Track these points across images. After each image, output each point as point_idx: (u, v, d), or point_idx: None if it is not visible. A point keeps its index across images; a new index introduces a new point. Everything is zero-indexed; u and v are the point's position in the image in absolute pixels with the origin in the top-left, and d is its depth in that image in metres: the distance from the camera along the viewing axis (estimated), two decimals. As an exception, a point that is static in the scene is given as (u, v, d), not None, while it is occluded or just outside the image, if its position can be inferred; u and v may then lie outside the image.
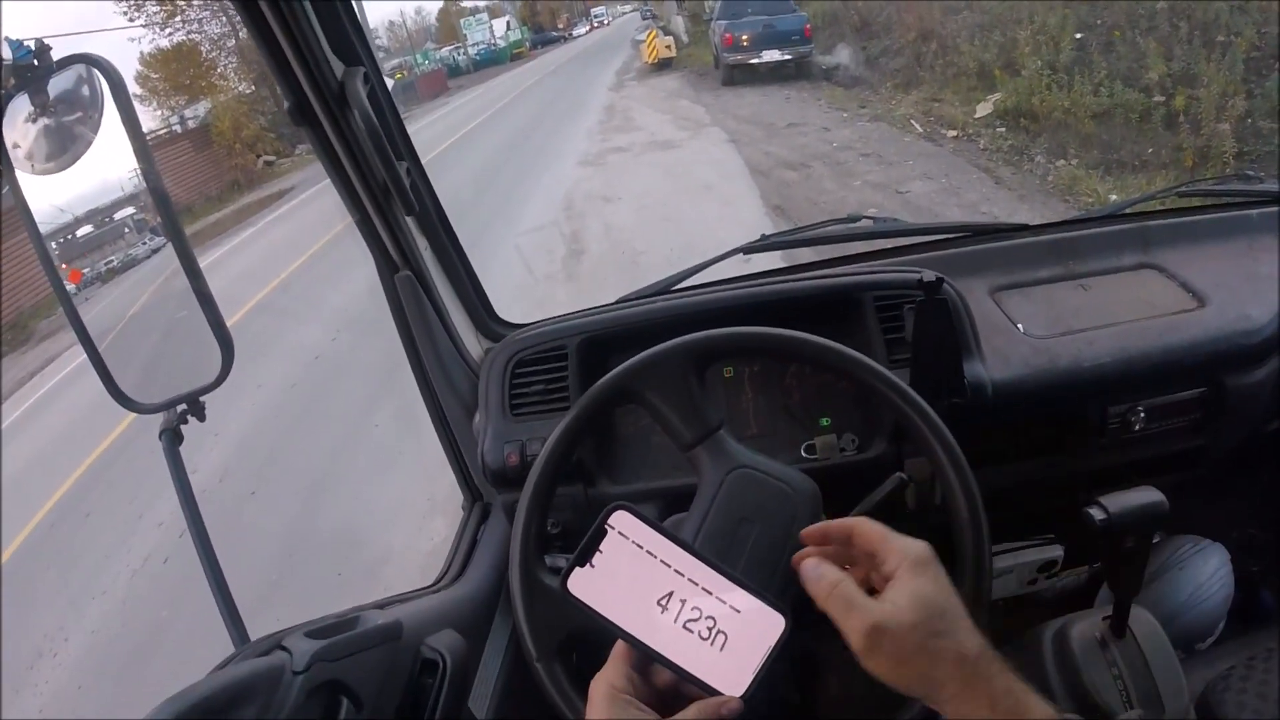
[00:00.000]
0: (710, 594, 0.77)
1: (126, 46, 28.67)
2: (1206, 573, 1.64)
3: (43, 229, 1.14)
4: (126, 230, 17.46)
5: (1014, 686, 0.69)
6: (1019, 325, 1.54)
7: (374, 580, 3.80)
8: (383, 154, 1.24)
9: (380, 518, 4.37)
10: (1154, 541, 1.68)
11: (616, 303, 1.62)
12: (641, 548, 0.78)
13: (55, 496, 5.89)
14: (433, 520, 4.06)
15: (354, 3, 1.22)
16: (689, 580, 0.78)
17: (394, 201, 1.32)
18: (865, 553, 0.77)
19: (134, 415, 1.21)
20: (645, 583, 0.78)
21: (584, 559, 0.78)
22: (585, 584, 0.78)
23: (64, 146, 1.12)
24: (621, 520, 0.78)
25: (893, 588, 0.73)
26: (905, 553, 0.74)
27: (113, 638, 4.16)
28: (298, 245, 11.07)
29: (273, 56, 1.17)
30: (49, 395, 9.01)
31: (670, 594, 0.77)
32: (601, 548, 0.78)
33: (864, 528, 0.78)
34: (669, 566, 0.78)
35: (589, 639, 0.89)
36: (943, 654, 0.69)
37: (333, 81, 1.20)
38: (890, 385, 1.05)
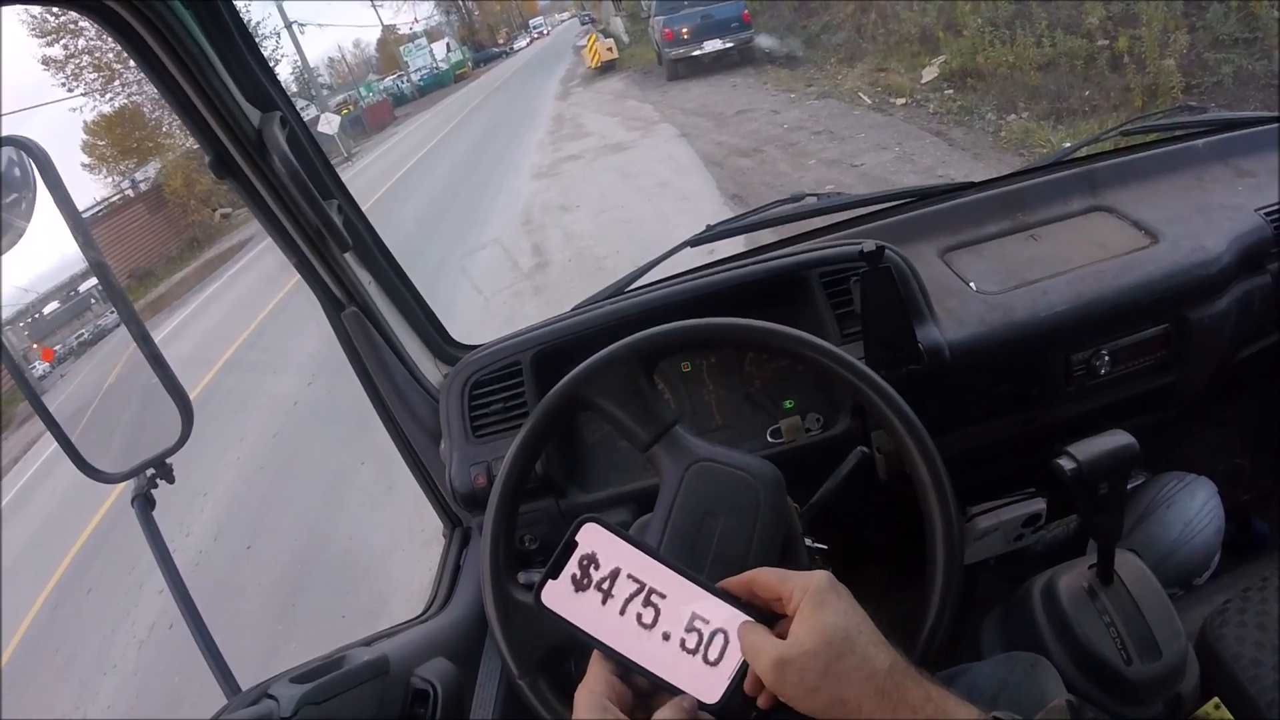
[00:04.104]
0: (679, 601, 0.79)
1: (69, 117, 28.57)
2: (1195, 508, 1.63)
3: (8, 311, 1.13)
4: (93, 301, 17.41)
5: (933, 694, 0.70)
6: (971, 284, 1.54)
7: (377, 617, 3.78)
8: (308, 195, 1.22)
9: (378, 554, 4.35)
10: (1140, 482, 1.69)
11: (571, 311, 1.61)
12: (611, 558, 0.80)
13: (54, 577, 5.85)
14: (431, 549, 4.03)
15: (257, 45, 1.21)
16: (659, 589, 0.79)
17: (329, 241, 1.31)
18: (771, 598, 0.78)
19: (121, 487, 1.20)
20: (618, 592, 0.79)
21: (556, 571, 0.80)
22: (559, 596, 0.80)
23: (5, 229, 1.11)
24: (590, 532, 0.80)
25: (795, 622, 0.74)
26: (805, 588, 0.75)
27: (128, 711, 4.11)
28: (263, 294, 11.09)
29: (187, 114, 1.16)
30: (36, 477, 8.96)
31: (643, 603, 0.78)
32: (572, 559, 0.80)
33: (761, 577, 0.79)
34: (640, 575, 0.79)
35: (576, 649, 0.89)
36: (850, 675, 0.70)
37: (250, 130, 1.18)
38: (835, 359, 1.05)
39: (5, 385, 11.28)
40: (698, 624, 0.77)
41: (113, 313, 1.15)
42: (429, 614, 1.45)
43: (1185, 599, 1.56)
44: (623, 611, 0.78)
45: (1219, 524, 1.64)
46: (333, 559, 4.57)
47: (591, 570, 0.79)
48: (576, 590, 0.79)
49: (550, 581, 0.80)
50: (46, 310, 18.05)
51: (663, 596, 0.78)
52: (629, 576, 0.79)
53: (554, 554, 0.80)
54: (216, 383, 8.31)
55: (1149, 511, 1.64)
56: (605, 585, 0.79)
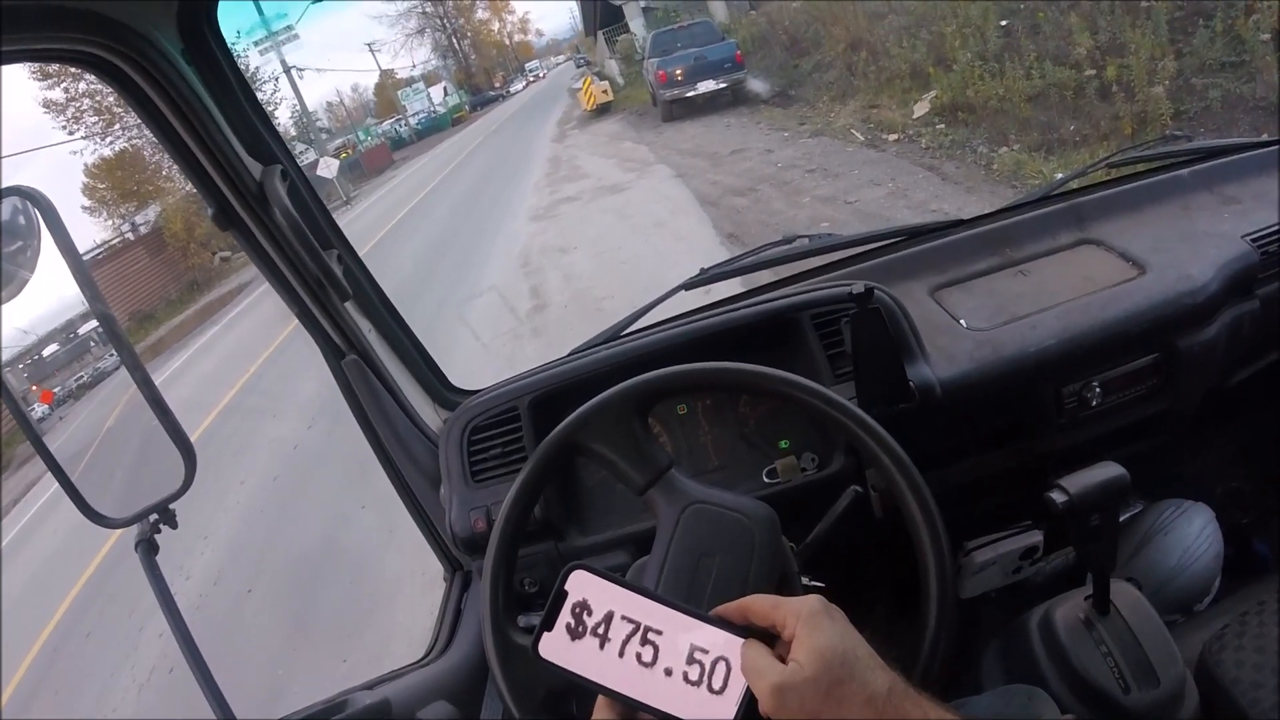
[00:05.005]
0: (678, 635, 0.79)
1: (70, 160, 28.81)
2: (1192, 534, 1.63)
3: (7, 353, 1.14)
4: (93, 343, 17.42)
5: (931, 715, 0.70)
6: (961, 320, 1.55)
7: (380, 661, 3.74)
8: (308, 246, 1.25)
9: (380, 598, 4.33)
10: (1137, 510, 1.69)
11: (567, 356, 1.63)
12: (603, 602, 0.80)
13: (54, 620, 5.83)
14: (432, 593, 4.00)
15: (258, 99, 1.24)
16: (655, 625, 0.79)
17: (329, 290, 1.33)
18: (766, 626, 0.78)
19: (121, 530, 1.20)
20: (614, 635, 0.79)
21: (550, 623, 0.80)
22: (556, 647, 0.80)
23: (10, 277, 1.12)
24: (579, 579, 0.81)
25: (793, 648, 0.74)
26: (798, 614, 0.75)
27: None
28: (263, 338, 11.09)
29: (190, 168, 1.19)
30: (35, 519, 8.94)
31: (640, 642, 0.79)
32: (564, 609, 0.80)
33: (755, 605, 0.79)
34: (634, 615, 0.80)
35: (577, 690, 0.90)
36: (850, 699, 0.70)
37: (251, 183, 1.21)
38: (823, 399, 1.06)
39: (5, 427, 11.29)
40: (698, 655, 0.78)
41: (112, 355, 1.15)
42: (430, 657, 1.46)
43: (1185, 625, 1.55)
44: (621, 653, 0.79)
45: (1218, 549, 1.64)
46: (334, 603, 4.54)
47: (585, 617, 0.80)
48: (573, 639, 0.79)
49: (546, 634, 0.80)
50: (46, 353, 18.07)
51: (659, 633, 0.79)
52: (623, 618, 0.79)
53: (546, 606, 0.81)
54: (216, 426, 8.30)
55: (1147, 540, 1.64)
56: (601, 630, 0.79)
